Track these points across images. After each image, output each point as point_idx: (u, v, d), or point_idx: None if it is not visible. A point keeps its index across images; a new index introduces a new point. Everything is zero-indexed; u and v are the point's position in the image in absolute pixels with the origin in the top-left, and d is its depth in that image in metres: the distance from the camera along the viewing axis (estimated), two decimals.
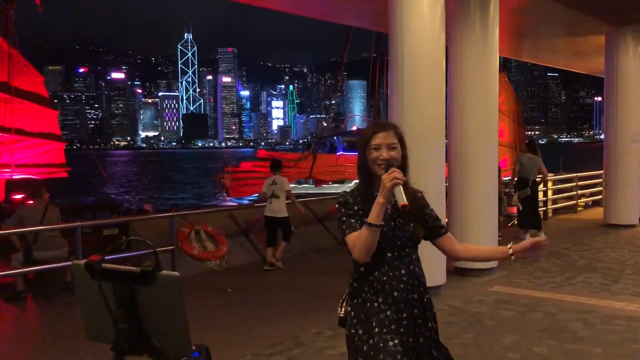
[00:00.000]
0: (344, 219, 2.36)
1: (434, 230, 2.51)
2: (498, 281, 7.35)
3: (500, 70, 10.46)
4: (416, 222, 2.42)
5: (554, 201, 14.21)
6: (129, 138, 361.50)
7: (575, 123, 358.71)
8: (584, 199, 15.52)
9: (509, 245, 2.50)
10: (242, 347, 4.91)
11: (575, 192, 14.73)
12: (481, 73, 7.77)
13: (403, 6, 6.73)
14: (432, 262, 6.54)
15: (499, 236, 8.49)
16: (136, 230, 8.60)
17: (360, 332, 2.33)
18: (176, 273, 1.56)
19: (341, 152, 30.75)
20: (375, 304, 2.34)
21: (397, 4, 6.77)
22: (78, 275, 1.63)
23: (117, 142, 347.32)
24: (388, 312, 2.32)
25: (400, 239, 2.36)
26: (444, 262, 6.82)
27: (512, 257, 2.49)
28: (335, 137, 33.20)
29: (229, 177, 22.55)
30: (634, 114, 11.79)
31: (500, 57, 11.03)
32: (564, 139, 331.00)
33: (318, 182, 26.45)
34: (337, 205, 2.43)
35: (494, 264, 7.79)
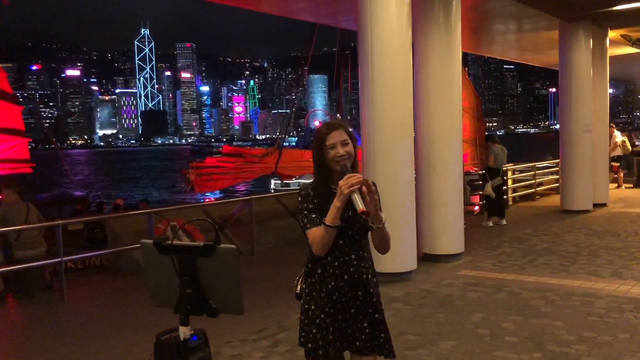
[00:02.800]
0: (305, 212, 2.57)
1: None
2: (465, 266, 7.79)
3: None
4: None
5: (514, 190, 14.82)
6: (86, 137, 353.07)
7: (532, 114, 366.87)
8: (544, 187, 16.18)
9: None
10: (230, 334, 5.17)
11: (534, 181, 15.37)
12: (446, 69, 8.17)
13: (372, 5, 7.05)
14: (403, 249, 6.96)
15: (464, 224, 8.92)
16: (112, 227, 8.72)
17: (312, 307, 2.59)
18: (233, 246, 1.85)
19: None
20: (330, 285, 2.57)
21: (366, 3, 7.09)
22: (146, 252, 1.90)
23: (73, 141, 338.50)
24: (328, 308, 2.55)
25: (352, 229, 2.60)
26: (414, 249, 7.19)
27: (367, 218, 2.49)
28: None
29: (194, 172, 22.56)
30: (586, 105, 12.42)
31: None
32: (520, 129, 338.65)
33: (283, 177, 26.53)
34: (299, 199, 2.61)
35: (461, 249, 8.24)
